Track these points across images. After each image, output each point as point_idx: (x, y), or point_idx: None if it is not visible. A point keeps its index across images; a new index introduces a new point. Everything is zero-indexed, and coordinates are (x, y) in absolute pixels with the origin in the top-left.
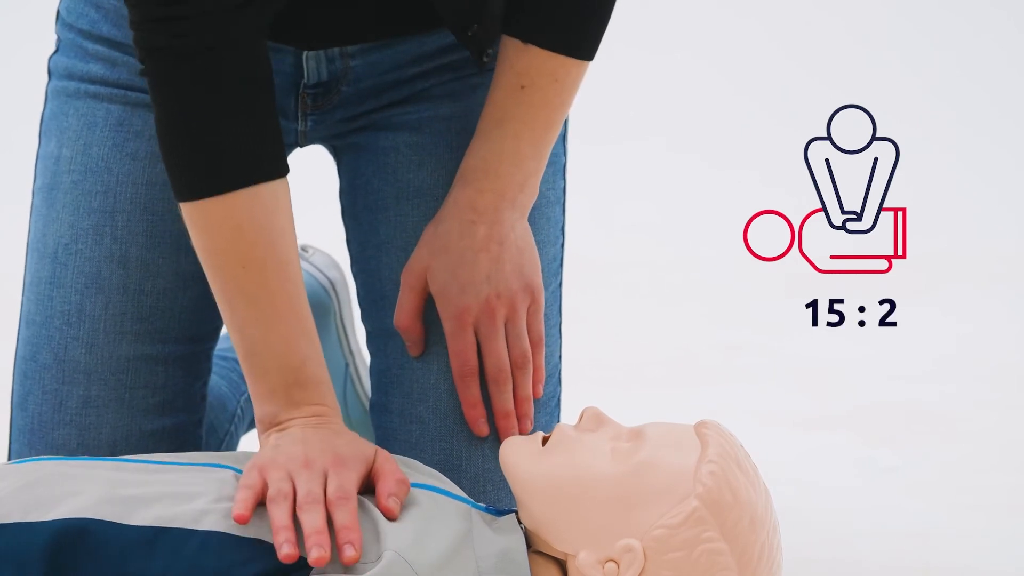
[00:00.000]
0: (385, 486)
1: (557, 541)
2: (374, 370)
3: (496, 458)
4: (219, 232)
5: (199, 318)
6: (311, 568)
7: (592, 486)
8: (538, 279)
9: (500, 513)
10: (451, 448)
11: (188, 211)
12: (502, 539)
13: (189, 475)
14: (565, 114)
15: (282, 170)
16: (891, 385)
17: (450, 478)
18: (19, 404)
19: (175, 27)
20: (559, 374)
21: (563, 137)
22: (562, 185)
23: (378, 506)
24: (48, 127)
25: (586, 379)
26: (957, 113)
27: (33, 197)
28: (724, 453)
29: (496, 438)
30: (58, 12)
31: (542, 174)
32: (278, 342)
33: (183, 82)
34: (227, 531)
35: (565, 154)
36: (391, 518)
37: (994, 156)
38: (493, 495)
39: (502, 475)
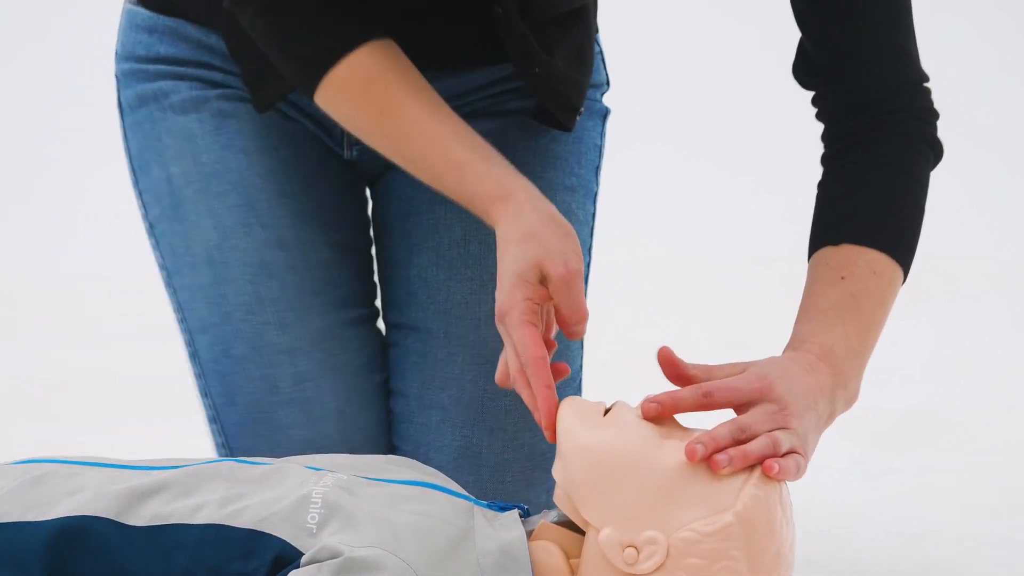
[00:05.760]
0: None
1: (586, 509)
2: (391, 356)
3: (515, 449)
4: (354, 92)
5: (366, 285)
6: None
7: (639, 469)
8: None
9: (503, 509)
10: (472, 435)
11: (322, 93)
12: (503, 536)
13: (184, 473)
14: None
15: (385, 33)
16: (891, 385)
17: (469, 466)
18: (226, 403)
19: None
20: (579, 381)
21: (596, 168)
22: (591, 210)
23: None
24: (143, 159)
25: (586, 379)
26: (956, 114)
27: (153, 228)
28: (771, 483)
29: (515, 434)
30: (116, 52)
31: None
32: (455, 147)
33: None
34: (223, 523)
35: (597, 183)
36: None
37: (993, 158)
38: (511, 485)
39: (521, 466)
